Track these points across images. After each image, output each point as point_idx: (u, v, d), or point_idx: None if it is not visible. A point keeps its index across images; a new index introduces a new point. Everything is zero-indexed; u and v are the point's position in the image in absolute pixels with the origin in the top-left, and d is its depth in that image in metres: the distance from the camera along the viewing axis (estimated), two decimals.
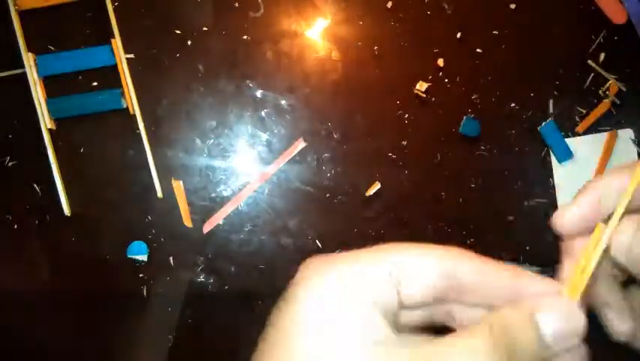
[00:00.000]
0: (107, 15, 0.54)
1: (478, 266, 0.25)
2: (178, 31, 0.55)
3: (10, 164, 0.54)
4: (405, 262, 0.24)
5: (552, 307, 0.23)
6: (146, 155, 0.54)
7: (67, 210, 0.54)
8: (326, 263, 0.24)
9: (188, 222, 0.55)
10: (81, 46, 0.54)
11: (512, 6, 0.57)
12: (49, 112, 0.53)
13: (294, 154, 0.54)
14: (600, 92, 0.58)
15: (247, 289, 0.55)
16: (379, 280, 0.24)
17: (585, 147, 0.56)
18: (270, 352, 0.23)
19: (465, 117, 0.56)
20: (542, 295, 0.24)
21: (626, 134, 0.57)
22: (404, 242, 0.25)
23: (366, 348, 0.22)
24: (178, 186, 0.54)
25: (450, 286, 0.24)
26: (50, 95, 0.54)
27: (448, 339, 0.22)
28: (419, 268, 0.24)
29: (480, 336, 0.22)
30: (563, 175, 0.56)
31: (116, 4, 0.55)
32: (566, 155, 0.56)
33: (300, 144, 0.54)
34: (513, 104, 0.57)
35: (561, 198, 0.56)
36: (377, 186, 0.55)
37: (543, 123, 0.56)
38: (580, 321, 0.23)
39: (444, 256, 0.25)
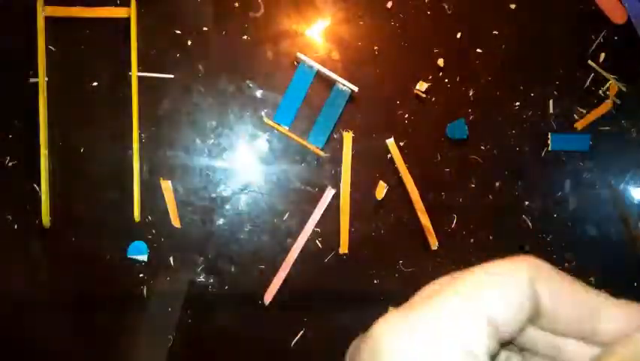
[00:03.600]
0: None
1: (556, 288, 0.21)
2: (178, 31, 0.55)
3: (10, 164, 0.54)
4: (499, 311, 0.20)
5: None
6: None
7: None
8: (405, 319, 0.21)
9: (176, 223, 0.55)
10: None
11: (512, 6, 0.57)
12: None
13: (326, 204, 0.55)
14: (600, 92, 0.58)
15: (247, 289, 0.55)
16: (472, 333, 0.20)
17: None
18: None
19: (449, 124, 0.56)
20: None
21: None
22: (479, 273, 0.21)
23: None
24: (167, 186, 0.54)
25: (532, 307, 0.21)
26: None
27: None
28: (514, 309, 0.20)
29: None
30: None
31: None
32: None
33: (330, 192, 0.55)
34: (513, 104, 0.57)
35: None
36: (385, 187, 0.55)
37: None
38: None
39: (532, 280, 0.21)
